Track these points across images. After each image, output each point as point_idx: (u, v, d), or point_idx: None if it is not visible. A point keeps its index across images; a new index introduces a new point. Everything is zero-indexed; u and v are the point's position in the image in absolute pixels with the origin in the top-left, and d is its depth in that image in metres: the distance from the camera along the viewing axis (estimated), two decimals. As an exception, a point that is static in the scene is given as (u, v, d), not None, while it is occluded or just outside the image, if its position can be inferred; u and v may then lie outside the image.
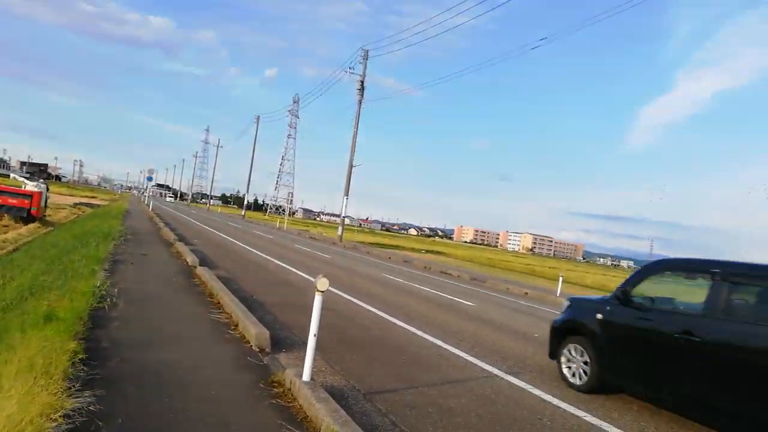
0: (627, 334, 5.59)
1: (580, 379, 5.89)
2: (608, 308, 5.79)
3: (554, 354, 6.42)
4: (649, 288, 5.67)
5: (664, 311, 5.39)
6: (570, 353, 6.10)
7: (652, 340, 5.27)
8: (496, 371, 6.26)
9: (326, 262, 19.33)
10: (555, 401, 5.36)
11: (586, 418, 4.94)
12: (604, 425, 4.83)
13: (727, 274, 4.89)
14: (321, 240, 37.96)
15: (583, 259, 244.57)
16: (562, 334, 6.34)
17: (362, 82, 37.64)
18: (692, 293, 5.27)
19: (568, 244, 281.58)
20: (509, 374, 6.20)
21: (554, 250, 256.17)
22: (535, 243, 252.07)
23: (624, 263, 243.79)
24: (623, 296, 5.68)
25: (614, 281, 54.70)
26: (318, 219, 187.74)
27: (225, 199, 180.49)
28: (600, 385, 5.76)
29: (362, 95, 37.60)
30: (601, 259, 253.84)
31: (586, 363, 5.83)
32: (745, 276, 4.97)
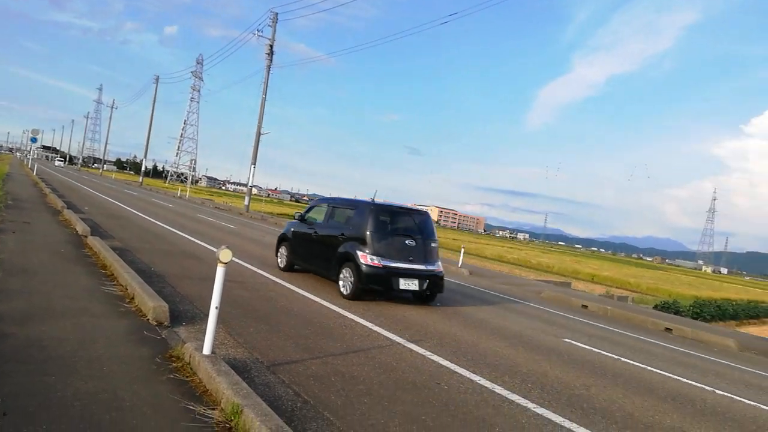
0: (300, 237, 10.29)
1: (282, 264, 10.65)
2: (296, 224, 10.61)
3: (276, 253, 11.12)
4: (312, 213, 10.51)
5: (312, 223, 10.22)
6: (281, 251, 10.85)
7: (305, 238, 10.08)
8: (398, 339, 6.47)
9: (231, 232, 18.80)
10: (452, 366, 5.65)
11: (475, 380, 5.26)
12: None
13: (331, 204, 10.01)
14: (226, 210, 36.81)
15: (485, 231, 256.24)
16: (279, 241, 11.01)
17: (271, 46, 36.35)
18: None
19: (471, 217, 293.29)
20: (411, 342, 6.43)
21: (458, 223, 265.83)
22: (440, 216, 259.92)
23: (521, 236, 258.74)
24: (301, 218, 10.63)
25: (510, 252, 57.95)
26: (223, 188, 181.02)
27: (120, 165, 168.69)
28: (290, 266, 10.47)
29: (271, 60, 36.37)
30: (500, 232, 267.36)
31: (285, 255, 10.57)
32: (336, 205, 9.88)
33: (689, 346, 10.52)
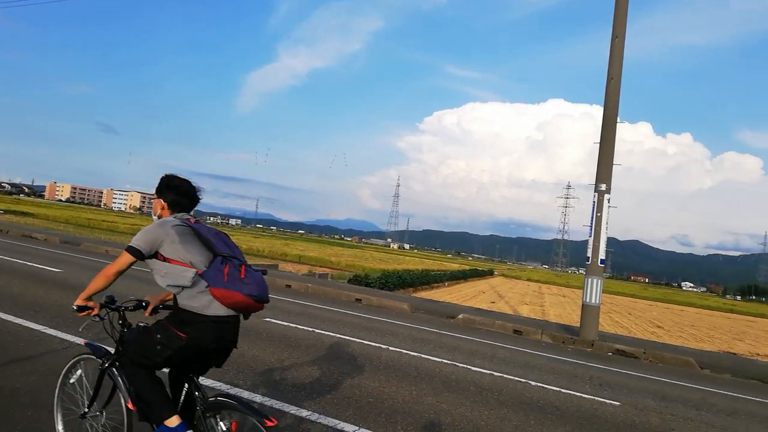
0: None
1: None
2: None
3: None
4: None
5: None
6: None
7: None
8: (79, 340, 5.76)
9: None
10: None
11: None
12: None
13: None
14: None
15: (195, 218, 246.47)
16: None
17: None
18: None
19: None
20: (96, 339, 5.79)
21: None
22: (144, 202, 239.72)
23: (233, 221, 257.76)
24: None
25: (222, 239, 57.11)
26: None
27: None
28: None
29: None
30: (212, 218, 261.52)
31: None
32: None
33: (374, 312, 12.07)
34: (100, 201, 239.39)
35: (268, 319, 8.73)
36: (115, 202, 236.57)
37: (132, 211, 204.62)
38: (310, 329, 8.39)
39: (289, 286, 14.70)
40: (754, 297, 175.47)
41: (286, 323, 8.62)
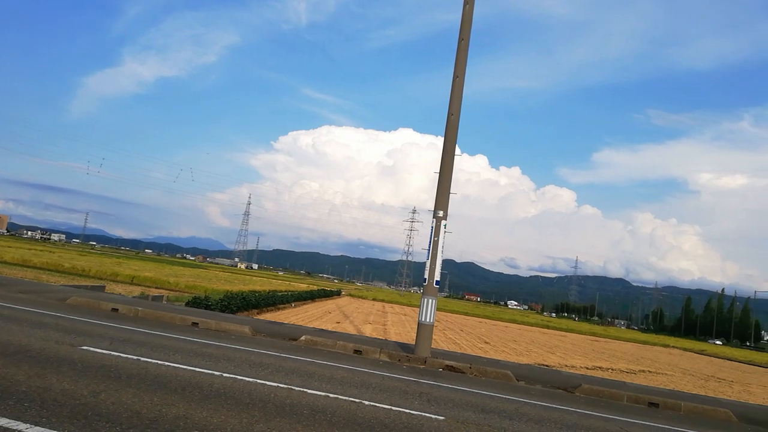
0: None
1: None
2: None
3: None
4: None
5: None
6: None
7: None
8: None
9: None
10: None
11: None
12: None
13: None
14: None
15: (8, 231, 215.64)
16: None
17: None
18: None
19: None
20: None
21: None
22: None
23: (55, 236, 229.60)
24: None
25: (39, 255, 50.89)
26: None
27: None
28: None
29: None
30: (30, 232, 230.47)
31: None
32: None
33: (212, 337, 11.51)
34: None
35: (85, 348, 7.89)
36: None
37: None
38: (135, 357, 7.74)
39: (116, 310, 13.45)
40: (566, 314, 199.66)
41: (106, 352, 7.85)
